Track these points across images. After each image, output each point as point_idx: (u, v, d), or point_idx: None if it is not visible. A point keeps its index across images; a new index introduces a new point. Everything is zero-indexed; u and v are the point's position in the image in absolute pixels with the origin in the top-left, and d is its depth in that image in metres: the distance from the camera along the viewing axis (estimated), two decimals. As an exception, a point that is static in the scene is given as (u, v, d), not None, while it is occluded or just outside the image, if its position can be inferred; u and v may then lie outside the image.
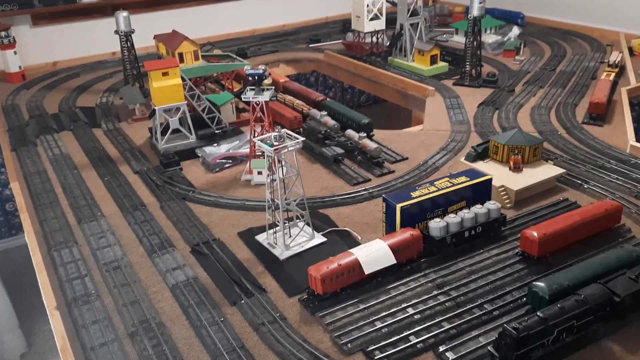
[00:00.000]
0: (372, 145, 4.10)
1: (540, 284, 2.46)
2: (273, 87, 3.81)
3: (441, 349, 2.39)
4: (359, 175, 3.97)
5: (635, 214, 3.20)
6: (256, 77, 3.66)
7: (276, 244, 3.20)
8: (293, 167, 3.08)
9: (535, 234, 2.81)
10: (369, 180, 3.92)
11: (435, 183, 3.16)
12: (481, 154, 3.80)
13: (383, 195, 3.17)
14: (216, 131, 4.58)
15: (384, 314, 2.61)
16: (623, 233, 3.05)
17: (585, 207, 3.06)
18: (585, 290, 2.37)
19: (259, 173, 3.92)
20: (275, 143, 2.96)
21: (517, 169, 3.60)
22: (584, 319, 2.29)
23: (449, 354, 2.35)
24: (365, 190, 3.77)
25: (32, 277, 3.17)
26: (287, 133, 3.02)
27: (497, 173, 3.59)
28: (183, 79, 4.28)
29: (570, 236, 2.90)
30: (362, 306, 2.67)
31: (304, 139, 3.05)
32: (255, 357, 2.42)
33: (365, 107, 9.20)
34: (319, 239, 3.25)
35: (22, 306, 6.03)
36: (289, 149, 2.95)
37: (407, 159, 4.18)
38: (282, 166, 3.04)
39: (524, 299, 2.60)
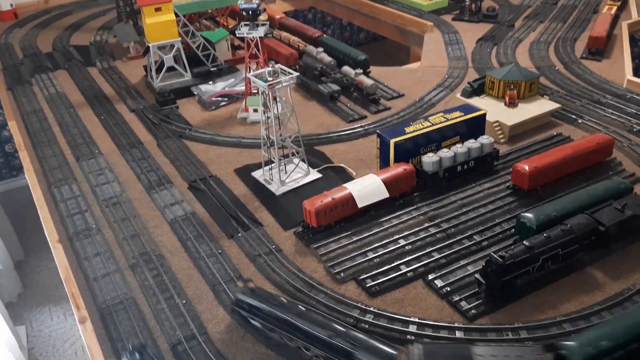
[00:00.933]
0: (368, 81, 4.08)
1: (528, 214, 2.52)
2: (267, 23, 3.76)
3: (430, 277, 2.47)
4: (355, 112, 3.97)
5: (627, 148, 3.23)
6: (250, 12, 3.61)
7: (272, 180, 3.25)
8: (287, 103, 3.09)
9: (527, 167, 2.85)
10: (365, 117, 3.93)
11: (429, 118, 3.18)
12: (477, 89, 3.79)
13: (377, 130, 3.19)
14: (211, 69, 4.55)
15: (376, 245, 2.69)
16: (614, 166, 3.09)
17: (577, 141, 3.09)
18: (572, 220, 2.43)
19: (255, 111, 3.93)
20: (270, 79, 2.95)
21: (512, 104, 3.60)
22: (569, 248, 2.37)
23: (438, 282, 2.44)
24: (360, 127, 3.78)
25: (35, 217, 3.24)
26: (281, 68, 3.00)
27: (493, 108, 3.60)
28: (177, 15, 4.22)
29: (561, 169, 2.94)
30: (355, 238, 2.75)
31: (298, 74, 3.04)
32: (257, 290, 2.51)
33: (364, 45, 9.08)
34: (314, 175, 3.29)
35: (26, 245, 6.17)
36: (283, 84, 2.95)
37: (403, 95, 4.18)
38: (276, 102, 3.04)
39: (513, 230, 2.66)
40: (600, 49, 4.40)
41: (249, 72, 3.77)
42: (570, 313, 2.23)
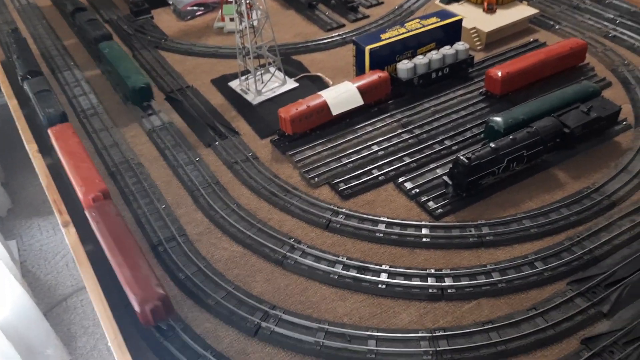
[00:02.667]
0: (346, -11, 3.99)
1: (497, 118, 2.58)
2: None
3: (400, 180, 2.56)
4: (333, 20, 3.92)
5: (601, 53, 3.25)
6: None
7: (249, 89, 3.26)
8: (262, 10, 3.04)
9: (499, 73, 2.88)
10: (343, 25, 3.88)
11: (405, 25, 3.16)
12: (456, -5, 3.73)
13: (353, 38, 3.17)
14: (186, -23, 4.40)
15: (350, 151, 2.76)
16: (586, 71, 3.13)
17: (551, 46, 3.11)
18: (538, 122, 2.49)
19: (231, 20, 3.87)
20: (242, -16, 2.89)
21: (490, 10, 3.57)
22: (534, 149, 2.45)
23: (407, 184, 2.54)
24: (338, 35, 3.75)
25: (17, 135, 3.25)
26: (253, -27, 2.94)
27: (471, 15, 3.57)
28: None
29: (533, 75, 2.98)
30: (329, 145, 2.81)
31: (271, -21, 2.98)
32: (229, 191, 2.60)
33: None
34: (291, 84, 3.30)
35: (9, 165, 6.19)
36: (256, -10, 2.90)
37: (382, 3, 4.11)
38: (250, 10, 3.00)
39: (483, 134, 2.73)
40: (584, -48, 4.28)
41: (224, -21, 3.68)
42: (531, 210, 2.34)
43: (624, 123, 2.73)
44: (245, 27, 3.02)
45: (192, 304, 2.09)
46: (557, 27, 3.54)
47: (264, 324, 1.98)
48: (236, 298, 2.08)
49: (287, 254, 2.24)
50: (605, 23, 3.54)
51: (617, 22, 3.53)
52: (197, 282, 2.13)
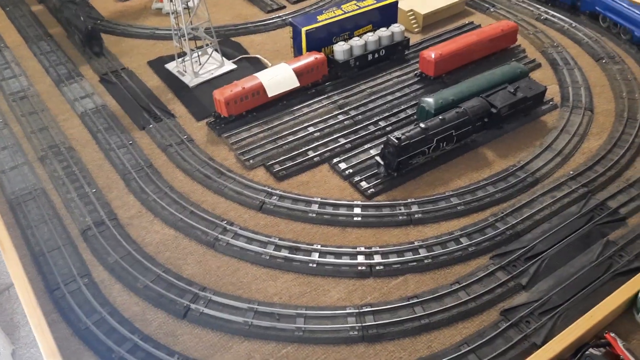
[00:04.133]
0: (287, -30, 3.96)
1: (427, 99, 2.63)
2: None
3: (335, 160, 2.59)
4: (273, 2, 3.89)
5: (533, 35, 3.34)
6: None
7: (186, 71, 3.22)
8: (196, -10, 3.00)
9: (432, 54, 2.93)
10: (284, 7, 3.86)
11: (342, 6, 3.16)
12: (395, -23, 3.75)
13: (289, 19, 3.16)
14: (124, -44, 4.28)
15: (286, 133, 2.77)
16: (517, 53, 3.21)
17: (483, 28, 3.17)
18: (467, 103, 2.56)
19: (170, 1, 3.78)
20: (174, -37, 2.84)
21: (427, -8, 3.60)
22: (463, 129, 2.51)
23: (342, 165, 2.57)
24: (279, 17, 3.73)
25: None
26: (185, -48, 2.88)
27: (409, -3, 3.60)
28: None
29: (466, 56, 3.04)
30: (266, 127, 2.81)
31: (203, -42, 2.93)
32: (163, 174, 2.57)
33: None
34: (229, 66, 3.28)
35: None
36: (188, -31, 2.85)
37: (324, -15, 4.09)
38: (184, -11, 2.95)
39: (415, 115, 2.78)
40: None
41: (159, -42, 3.59)
42: (459, 188, 2.41)
43: (551, 103, 2.82)
44: (181, 8, 2.97)
45: (120, 287, 2.07)
46: (491, 9, 3.62)
47: (193, 306, 1.98)
48: (166, 281, 2.07)
49: (219, 236, 2.24)
50: (537, 5, 3.63)
51: (549, 4, 3.62)
52: (126, 266, 2.11)
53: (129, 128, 2.83)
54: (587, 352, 1.76)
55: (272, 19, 3.72)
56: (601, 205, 2.24)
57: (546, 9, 3.55)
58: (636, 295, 1.84)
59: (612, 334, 1.77)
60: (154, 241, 2.26)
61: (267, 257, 2.16)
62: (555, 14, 3.50)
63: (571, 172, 2.43)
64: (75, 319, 1.94)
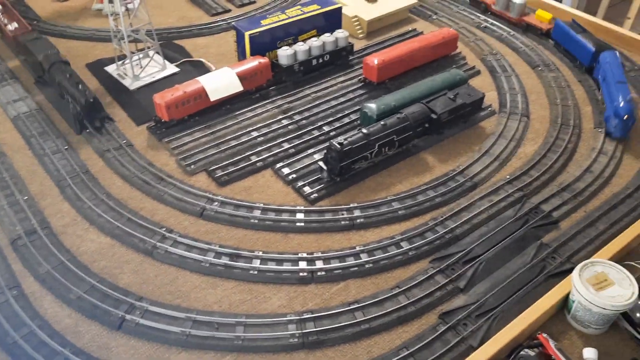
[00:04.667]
0: (232, -27, 3.93)
1: (370, 104, 2.65)
2: None
3: (278, 165, 2.57)
4: (218, 5, 3.85)
5: (473, 43, 3.43)
6: None
7: (126, 74, 3.14)
8: (135, -9, 2.93)
9: (375, 60, 2.96)
10: (229, 10, 3.83)
11: (286, 11, 3.16)
12: (340, -17, 3.78)
13: (232, 23, 3.13)
14: (62, -45, 4.15)
15: (229, 137, 2.73)
16: (458, 60, 3.28)
17: (424, 35, 3.23)
18: (408, 108, 2.59)
19: (110, 2, 3.68)
20: (112, -37, 2.76)
21: (372, -1, 3.65)
22: (404, 134, 2.54)
23: (285, 170, 2.55)
24: (223, 20, 3.69)
25: None
26: (124, -47, 2.81)
27: (353, 3, 3.63)
28: None
29: (408, 62, 3.08)
30: (208, 131, 2.76)
31: (143, -41, 2.87)
32: (100, 180, 2.49)
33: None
34: (172, 69, 3.21)
35: None
36: (127, -30, 2.78)
37: (269, -11, 4.08)
38: (123, -10, 2.88)
39: (358, 120, 2.80)
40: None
41: (99, -42, 3.50)
42: (400, 193, 2.43)
43: (489, 109, 2.89)
44: (122, 10, 2.89)
45: (52, 299, 1.99)
46: (434, 17, 3.69)
47: (128, 317, 1.92)
48: (100, 291, 2.00)
49: (158, 243, 2.18)
50: (478, 14, 3.73)
51: (488, 13, 3.73)
52: (59, 277, 2.03)
53: (65, 133, 2.73)
54: (521, 353, 1.81)
55: (217, 22, 3.67)
56: (535, 209, 2.31)
57: (486, 17, 3.64)
58: (567, 296, 1.90)
59: (545, 335, 1.82)
60: (89, 250, 2.18)
61: (207, 265, 2.12)
62: (494, 22, 3.60)
63: (508, 177, 2.50)
64: (2, 333, 1.85)
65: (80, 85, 2.58)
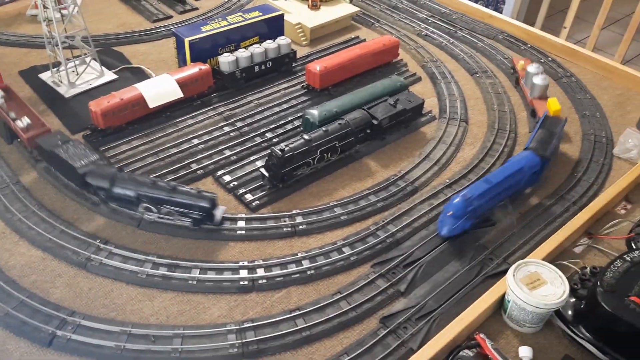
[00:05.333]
0: (173, -21, 3.87)
1: (312, 111, 2.65)
2: None
3: (219, 173, 2.54)
4: (160, 11, 3.79)
5: (414, 50, 3.48)
6: None
7: (62, 82, 3.03)
8: (69, -4, 2.84)
9: (317, 67, 2.96)
10: (171, 17, 3.76)
11: (227, 18, 3.13)
12: (282, -9, 3.78)
13: (172, 29, 3.08)
14: (-6, -42, 3.99)
15: (169, 145, 2.67)
16: (399, 67, 3.33)
17: (366, 43, 3.26)
18: (349, 115, 2.60)
19: (45, 7, 3.56)
20: (43, -33, 2.67)
21: (315, 6, 3.66)
22: (346, 140, 2.55)
23: (226, 177, 2.51)
24: (164, 27, 3.63)
25: None
26: (56, -44, 2.73)
27: (296, 10, 3.64)
28: None
29: (350, 69, 3.10)
30: (147, 139, 2.70)
31: (76, -37, 2.79)
32: (32, 191, 2.40)
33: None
34: (110, 76, 3.13)
35: None
36: (59, -26, 2.69)
37: (212, -5, 4.04)
38: (56, -5, 2.79)
39: (301, 127, 2.79)
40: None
41: (32, -39, 3.38)
42: (343, 198, 2.43)
43: (430, 115, 2.94)
44: (56, 15, 2.80)
45: (-23, 317, 1.88)
46: (376, 25, 3.74)
47: (59, 332, 1.84)
48: (30, 307, 1.91)
49: (92, 255, 2.11)
50: (419, 22, 3.80)
51: (429, 21, 3.81)
52: (-16, 293, 1.92)
53: (-7, 143, 2.61)
54: (459, 354, 1.83)
55: (158, 28, 3.61)
56: (474, 211, 2.35)
57: (427, 26, 3.71)
58: (503, 296, 1.93)
59: (482, 335, 1.85)
60: (19, 264, 2.09)
61: (144, 276, 2.06)
62: (435, 30, 3.67)
63: (447, 181, 2.54)
64: None
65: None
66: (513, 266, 1.88)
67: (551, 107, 2.80)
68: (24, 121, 2.49)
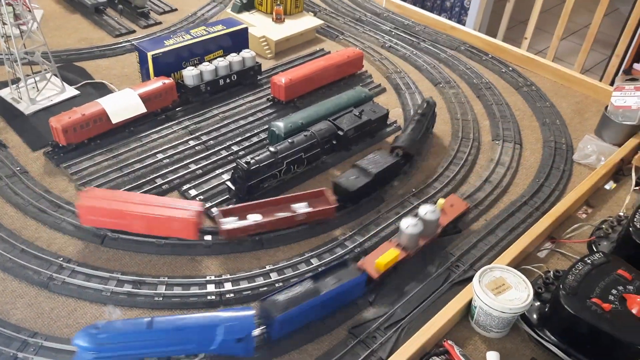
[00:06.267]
0: (136, -7, 3.85)
1: (277, 123, 2.65)
2: None
3: (185, 187, 2.51)
4: (122, 26, 3.75)
5: (378, 62, 3.52)
6: None
7: (21, 98, 2.97)
8: (27, 12, 2.79)
9: (283, 80, 2.97)
10: (134, 31, 3.73)
11: (190, 31, 3.12)
12: (247, 4, 3.79)
13: (134, 43, 3.05)
14: (-50, -26, 3.90)
15: (133, 160, 2.64)
16: (364, 78, 3.36)
17: (330, 55, 3.29)
18: (315, 126, 2.61)
19: (3, 23, 3.49)
20: (0, -18, 2.62)
21: (279, 19, 3.68)
22: (312, 151, 2.55)
23: (192, 191, 2.49)
24: (127, 41, 3.59)
25: None
26: (13, -29, 2.68)
27: (261, 24, 3.65)
28: None
29: (315, 81, 3.12)
30: (110, 155, 2.66)
31: (34, -22, 2.75)
32: (-9, 211, 2.32)
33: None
34: (71, 92, 3.08)
35: None
36: (17, -11, 2.65)
37: (176, 10, 4.03)
38: (14, 12, 2.74)
39: (267, 139, 2.79)
40: (366, -31, 4.64)
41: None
42: (310, 210, 2.43)
43: (395, 125, 2.97)
44: (15, 31, 2.75)
45: None
46: (340, 37, 3.77)
47: (20, 355, 1.78)
48: (-11, 330, 1.85)
49: (54, 274, 2.05)
50: (383, 34, 3.85)
51: (393, 33, 3.86)
52: (-61, 317, 1.85)
53: (-50, 161, 2.53)
54: (428, 361, 1.84)
55: (121, 43, 3.57)
56: (440, 220, 2.37)
57: (390, 37, 3.76)
58: (470, 302, 1.95)
59: (450, 342, 1.86)
60: (-23, 286, 2.02)
61: (109, 294, 2.01)
62: (398, 42, 3.72)
63: (413, 190, 2.56)
64: None
65: None
66: (478, 272, 1.90)
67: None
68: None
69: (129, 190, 2.46)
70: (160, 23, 3.84)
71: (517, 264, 2.16)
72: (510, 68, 3.56)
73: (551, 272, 2.06)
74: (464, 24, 6.84)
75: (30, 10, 2.79)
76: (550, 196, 2.56)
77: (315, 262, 2.19)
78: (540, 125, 3.06)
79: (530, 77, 3.50)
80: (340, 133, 2.65)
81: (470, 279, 2.07)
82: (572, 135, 2.99)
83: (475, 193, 2.55)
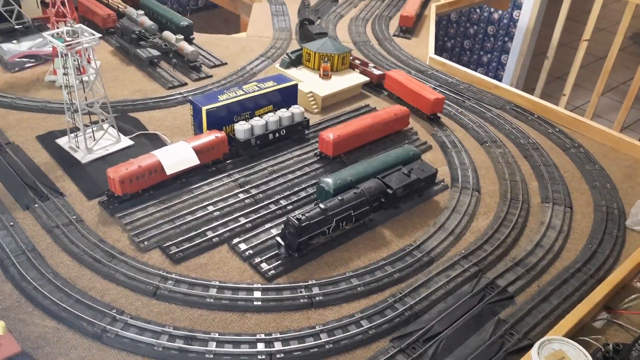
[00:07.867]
0: (188, 48, 4.00)
1: (327, 179, 2.68)
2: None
3: (235, 241, 2.53)
4: (175, 78, 3.88)
5: (424, 119, 3.56)
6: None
7: (79, 147, 3.08)
8: (91, 66, 2.92)
9: (331, 135, 3.02)
10: (185, 84, 3.86)
11: (243, 87, 3.21)
12: (295, 60, 3.90)
13: (189, 97, 3.15)
14: (16, 26, 4.14)
15: (184, 212, 2.68)
16: (410, 135, 3.39)
17: (377, 112, 3.34)
18: (364, 184, 2.63)
19: (65, 74, 3.66)
20: (69, 39, 2.76)
21: (326, 76, 3.77)
22: (361, 209, 2.56)
23: (241, 245, 2.51)
24: (179, 94, 3.71)
25: None
26: (82, 28, 2.83)
27: (308, 79, 3.74)
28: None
29: (362, 138, 3.16)
30: (163, 206, 2.71)
31: (100, 35, 2.89)
32: (47, 258, 2.38)
33: (203, 12, 8.83)
34: (126, 142, 3.18)
35: None
36: (84, 45, 2.78)
37: (226, 64, 4.16)
38: (79, 65, 2.87)
39: (315, 194, 2.81)
40: (409, 27, 4.75)
41: (54, 31, 3.49)
42: (359, 269, 2.43)
43: (442, 184, 2.97)
44: (76, 82, 2.87)
45: (-11, 392, 1.83)
46: (385, 93, 3.83)
47: (74, 409, 1.79)
48: (44, 381, 1.86)
49: (107, 326, 2.08)
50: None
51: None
52: (-3, 366, 1.88)
53: (10, 208, 2.62)
54: None
55: (173, 95, 3.69)
56: (491, 284, 2.34)
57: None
58: (527, 373, 1.90)
59: (507, 415, 1.81)
60: (32, 335, 2.05)
61: (160, 349, 2.02)
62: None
63: (463, 251, 2.54)
64: None
65: None
66: (537, 344, 1.85)
67: None
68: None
69: (181, 242, 2.50)
70: (211, 76, 3.97)
71: (574, 334, 2.10)
72: (557, 129, 3.55)
73: (610, 345, 1.99)
74: (500, 79, 6.88)
75: (92, 63, 2.92)
76: (605, 263, 2.50)
77: (365, 324, 2.17)
78: (590, 188, 3.03)
79: (577, 138, 3.48)
80: (389, 191, 2.66)
81: (525, 349, 2.02)
82: (624, 200, 2.94)
83: (527, 257, 2.51)
